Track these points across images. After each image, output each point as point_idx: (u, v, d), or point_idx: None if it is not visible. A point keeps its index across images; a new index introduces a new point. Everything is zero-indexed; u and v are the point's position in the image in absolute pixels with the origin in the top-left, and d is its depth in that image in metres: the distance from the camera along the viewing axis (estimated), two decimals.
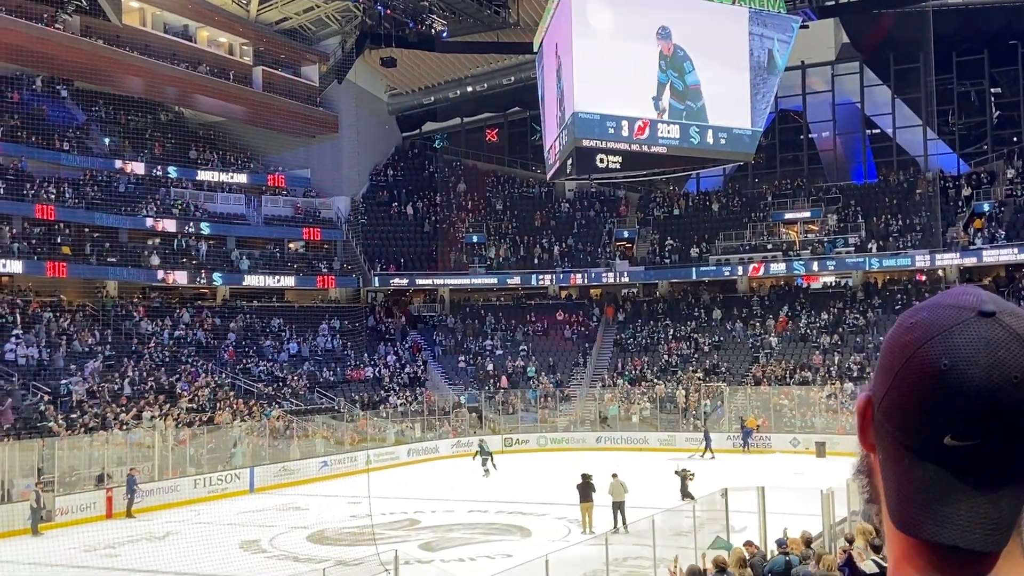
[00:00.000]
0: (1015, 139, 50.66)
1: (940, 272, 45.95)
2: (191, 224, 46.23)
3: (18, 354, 35.36)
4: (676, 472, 26.39)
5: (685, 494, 24.90)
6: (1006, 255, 42.91)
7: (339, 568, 17.82)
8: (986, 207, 46.15)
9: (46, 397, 33.41)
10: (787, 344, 46.13)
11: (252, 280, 46.97)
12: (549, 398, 45.40)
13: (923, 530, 0.96)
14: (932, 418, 0.95)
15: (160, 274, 43.51)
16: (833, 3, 46.23)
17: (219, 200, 49.04)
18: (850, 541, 12.97)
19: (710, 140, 36.48)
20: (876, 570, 9.94)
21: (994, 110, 52.40)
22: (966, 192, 47.61)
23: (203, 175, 48.96)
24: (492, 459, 35.29)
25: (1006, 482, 0.95)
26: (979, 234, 44.80)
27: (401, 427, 41.64)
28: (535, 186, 56.98)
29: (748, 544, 13.70)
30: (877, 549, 10.88)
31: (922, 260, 45.01)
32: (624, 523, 22.68)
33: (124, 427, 32.55)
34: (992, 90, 51.95)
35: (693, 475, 26.12)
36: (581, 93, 34.56)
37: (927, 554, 0.98)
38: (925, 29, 44.90)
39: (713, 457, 36.54)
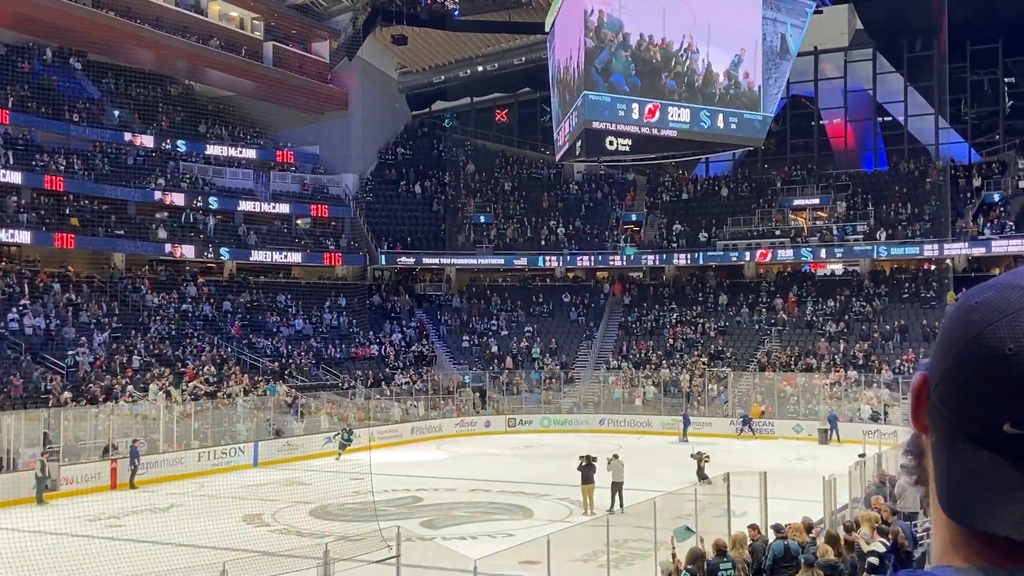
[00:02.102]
0: None
1: (948, 262, 45.82)
2: (199, 198, 46.23)
3: (25, 324, 35.49)
4: (692, 455, 26.52)
5: (702, 477, 25.01)
6: (1015, 246, 42.72)
7: (341, 543, 17.89)
8: (996, 197, 45.94)
9: (54, 368, 33.56)
10: (793, 330, 46.09)
11: (259, 256, 47.03)
12: (553, 379, 45.46)
13: (975, 519, 0.92)
14: (992, 404, 0.91)
15: (168, 247, 43.58)
16: None
17: (227, 175, 49.01)
18: (850, 529, 13.00)
19: (720, 124, 36.32)
20: (883, 549, 10.00)
21: (1007, 100, 52.04)
22: (976, 182, 47.40)
23: (212, 149, 48.93)
24: (345, 445, 34.27)
25: None
26: (988, 224, 44.64)
27: (405, 406, 41.74)
28: (544, 167, 56.83)
29: (752, 528, 13.73)
30: (884, 533, 10.91)
31: (931, 249, 44.87)
32: (621, 504, 22.77)
33: (130, 399, 32.69)
34: (1006, 79, 51.56)
35: (708, 458, 26.22)
36: (592, 74, 34.39)
37: (977, 544, 0.94)
38: (940, 16, 44.54)
39: (687, 441, 36.07)
